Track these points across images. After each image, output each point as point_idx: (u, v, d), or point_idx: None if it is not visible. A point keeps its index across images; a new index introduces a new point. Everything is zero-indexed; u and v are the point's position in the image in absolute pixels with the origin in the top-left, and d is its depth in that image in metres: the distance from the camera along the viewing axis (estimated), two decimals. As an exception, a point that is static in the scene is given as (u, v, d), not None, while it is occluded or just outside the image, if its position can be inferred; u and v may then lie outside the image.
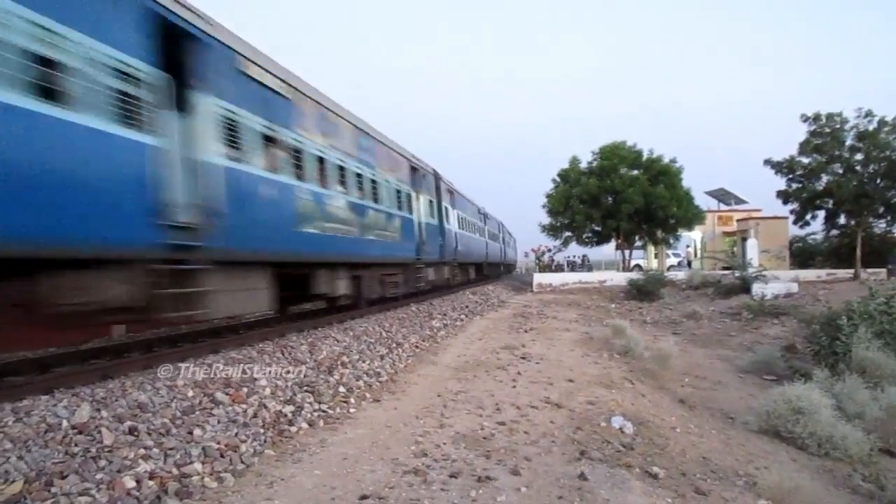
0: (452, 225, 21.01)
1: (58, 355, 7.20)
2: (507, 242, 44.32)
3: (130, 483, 3.68)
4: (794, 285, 21.92)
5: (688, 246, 42.48)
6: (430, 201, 18.07)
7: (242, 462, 4.39)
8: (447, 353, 9.74)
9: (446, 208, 20.16)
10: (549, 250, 36.98)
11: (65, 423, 4.23)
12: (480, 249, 28.71)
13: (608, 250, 35.67)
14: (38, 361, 6.83)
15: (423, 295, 17.67)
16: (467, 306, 17.36)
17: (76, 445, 3.96)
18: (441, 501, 3.82)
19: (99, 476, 3.68)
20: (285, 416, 5.48)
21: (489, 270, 33.91)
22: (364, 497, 3.83)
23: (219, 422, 4.91)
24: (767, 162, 29.47)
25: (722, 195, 40.85)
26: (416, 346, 9.93)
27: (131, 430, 4.35)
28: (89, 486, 3.54)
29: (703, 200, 35.72)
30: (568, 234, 31.92)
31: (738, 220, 37.56)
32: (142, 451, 4.10)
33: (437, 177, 19.47)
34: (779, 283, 21.75)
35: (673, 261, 41.49)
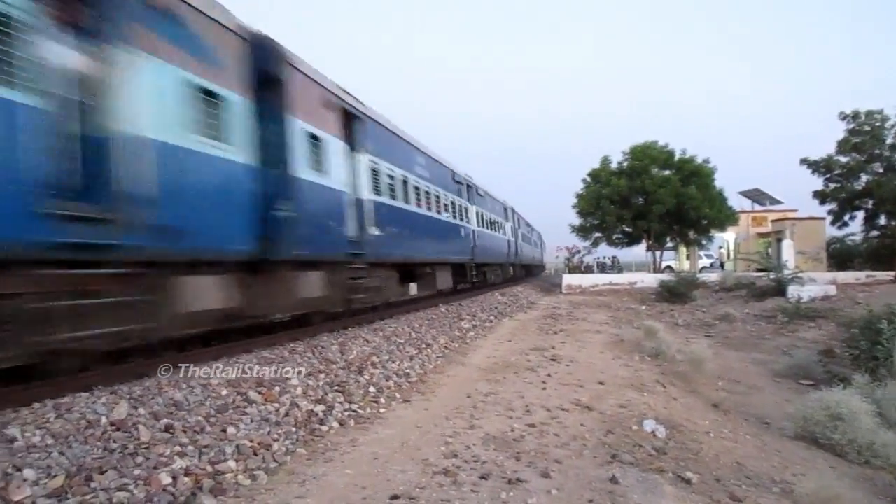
0: (482, 227, 22.82)
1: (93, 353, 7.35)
2: (535, 243, 44.20)
3: (166, 479, 3.75)
4: (832, 288, 21.40)
5: (720, 247, 41.82)
6: (479, 211, 21.56)
7: (275, 460, 4.44)
8: (476, 354, 9.73)
9: (482, 213, 22.59)
10: (579, 251, 36.79)
11: (104, 420, 4.33)
12: (510, 251, 29.13)
13: (638, 251, 35.29)
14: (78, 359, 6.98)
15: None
16: (496, 307, 17.33)
17: (114, 442, 4.06)
18: (471, 503, 3.81)
19: (136, 472, 3.75)
20: (316, 415, 5.53)
21: (518, 271, 33.87)
22: (395, 497, 3.84)
23: (252, 420, 4.98)
24: (804, 161, 28.93)
25: (756, 195, 40.15)
26: (446, 347, 9.94)
27: (167, 428, 4.44)
28: (127, 482, 3.62)
29: (736, 201, 35.20)
30: (598, 234, 31.68)
31: (773, 221, 36.81)
32: (177, 448, 4.18)
33: (471, 186, 21.83)
34: (815, 285, 21.23)
35: (705, 262, 40.90)
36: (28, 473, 3.47)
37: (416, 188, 14.43)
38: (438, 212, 16.89)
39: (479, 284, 22.34)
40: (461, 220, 19.44)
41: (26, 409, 4.57)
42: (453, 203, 18.71)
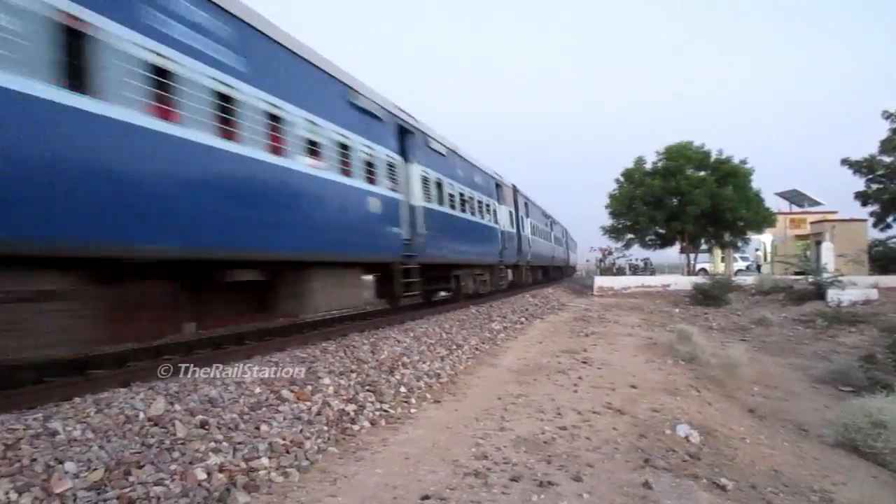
0: (526, 231, 24.48)
1: (133, 350, 7.53)
2: (568, 245, 43.90)
3: (201, 475, 3.82)
4: (874, 291, 20.82)
5: (757, 249, 41.01)
6: (510, 212, 21.98)
7: (307, 458, 4.48)
8: (507, 356, 9.70)
9: (522, 217, 23.39)
10: (610, 253, 36.41)
11: (141, 416, 4.43)
12: (549, 252, 29.38)
13: (672, 253, 34.80)
14: (116, 356, 7.17)
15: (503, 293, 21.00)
16: (527, 309, 17.25)
17: (152, 437, 4.14)
18: (502, 505, 3.80)
19: (172, 467, 3.82)
20: (348, 414, 5.57)
21: (554, 273, 33.96)
22: (425, 497, 3.85)
23: (284, 418, 5.03)
24: (845, 161, 28.21)
25: (794, 197, 39.26)
26: (476, 349, 9.93)
27: (202, 424, 4.51)
28: (164, 477, 3.69)
29: (773, 202, 34.45)
30: (630, 236, 31.31)
31: (811, 223, 35.96)
32: (212, 444, 4.25)
33: (519, 195, 23.91)
34: (856, 289, 20.67)
35: (741, 265, 40.11)
36: (69, 466, 3.56)
37: (461, 194, 16.42)
38: (496, 221, 19.70)
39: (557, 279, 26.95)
40: (507, 226, 21.50)
41: (67, 404, 4.69)
42: (502, 211, 21.13)
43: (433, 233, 12.93)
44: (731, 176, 28.10)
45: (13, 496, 3.20)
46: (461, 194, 15.80)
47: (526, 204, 24.35)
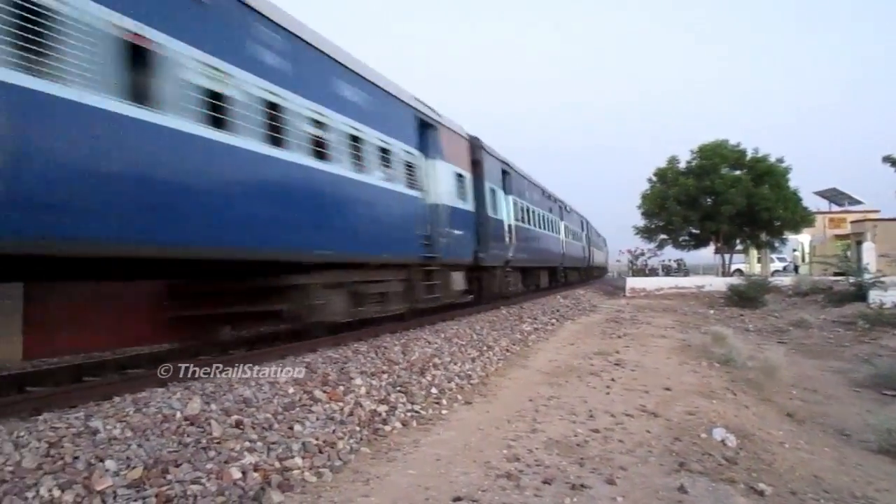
0: (568, 238, 26.42)
1: (169, 351, 7.69)
2: (600, 247, 43.44)
3: (237, 474, 3.87)
4: (919, 292, 20.14)
5: (794, 250, 40.08)
6: (566, 225, 25.18)
7: (340, 458, 4.52)
8: (538, 358, 9.65)
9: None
10: (643, 253, 35.96)
11: (178, 415, 4.51)
12: (586, 256, 29.84)
13: (706, 254, 34.19)
14: (153, 356, 7.33)
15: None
16: (558, 310, 17.14)
17: (188, 436, 4.22)
18: (534, 507, 3.78)
19: (209, 466, 3.89)
20: (380, 415, 5.60)
21: (588, 274, 34.21)
22: (457, 499, 3.84)
23: (317, 419, 5.08)
24: (887, 159, 27.36)
25: (833, 195, 38.36)
26: (507, 350, 9.90)
27: (237, 424, 4.58)
28: (200, 475, 3.75)
29: (812, 201, 33.64)
30: (663, 236, 30.88)
31: (852, 222, 35.07)
32: (247, 443, 4.31)
33: (562, 205, 26.66)
34: (900, 290, 20.03)
35: (777, 265, 39.24)
36: (109, 464, 3.64)
37: (532, 211, 19.80)
38: (543, 227, 21.80)
39: (564, 283, 27.92)
40: (555, 232, 24.73)
41: (107, 403, 4.81)
42: (551, 221, 23.78)
43: (521, 244, 17.96)
44: (768, 175, 27.54)
45: (56, 493, 3.28)
46: (533, 211, 20.42)
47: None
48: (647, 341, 11.78)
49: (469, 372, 7.83)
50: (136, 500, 3.38)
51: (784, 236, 30.55)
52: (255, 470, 4.00)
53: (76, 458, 3.64)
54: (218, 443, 4.21)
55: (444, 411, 6.15)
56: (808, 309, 19.58)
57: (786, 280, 26.52)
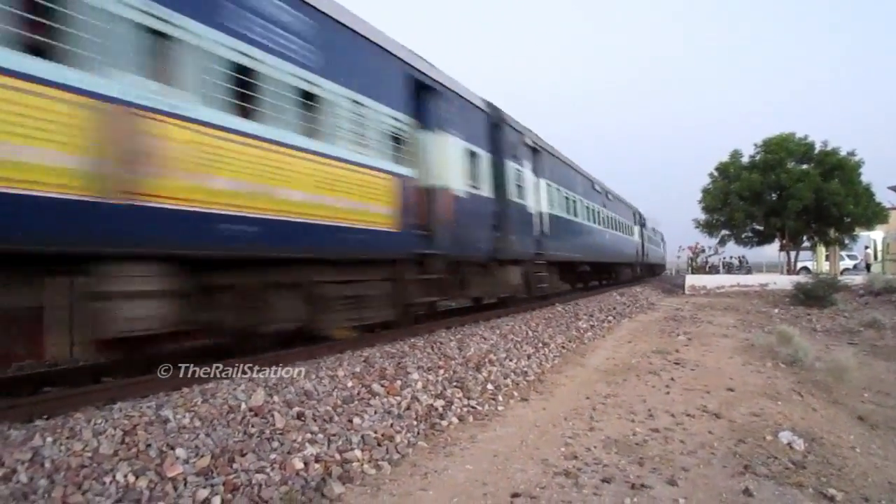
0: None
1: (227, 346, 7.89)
2: (658, 244, 42.59)
3: (299, 464, 3.98)
4: None
5: (866, 247, 38.23)
6: (642, 231, 27.57)
7: (398, 452, 4.58)
8: (595, 355, 9.52)
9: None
10: (703, 251, 34.96)
11: (243, 406, 4.65)
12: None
13: (769, 251, 32.88)
14: (218, 349, 7.54)
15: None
16: (614, 308, 16.86)
17: (253, 427, 4.35)
18: (594, 506, 3.74)
19: (272, 456, 4.01)
20: (436, 410, 5.64)
21: (657, 270, 35.46)
22: (515, 495, 3.84)
23: (375, 412, 5.16)
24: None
25: (910, 190, 36.31)
26: (563, 347, 9.80)
27: (299, 416, 4.70)
28: (264, 465, 3.87)
29: (886, 196, 31.91)
30: (725, 232, 29.92)
31: (931, 218, 33.13)
32: (308, 435, 4.42)
33: (640, 214, 33.04)
34: (983, 288, 18.89)
35: (847, 263, 37.52)
36: (180, 452, 3.80)
37: (617, 221, 24.29)
38: (630, 235, 27.24)
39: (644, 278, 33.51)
40: (633, 236, 30.74)
41: (177, 393, 5.00)
42: (631, 227, 29.24)
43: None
44: (838, 169, 26.27)
45: (131, 479, 3.44)
46: (620, 222, 25.15)
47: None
48: (709, 340, 11.46)
49: (525, 368, 7.80)
50: (204, 488, 3.51)
51: (855, 233, 29.11)
52: (317, 461, 4.10)
53: (149, 445, 3.81)
54: (281, 434, 4.33)
55: (500, 407, 6.14)
56: (881, 309, 18.61)
57: (857, 279, 25.31)
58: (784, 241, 28.75)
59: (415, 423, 5.22)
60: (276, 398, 4.95)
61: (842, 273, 29.48)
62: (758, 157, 28.08)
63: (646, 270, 38.69)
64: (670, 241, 50.29)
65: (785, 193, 26.35)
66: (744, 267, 35.36)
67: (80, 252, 4.72)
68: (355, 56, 7.89)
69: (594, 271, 23.03)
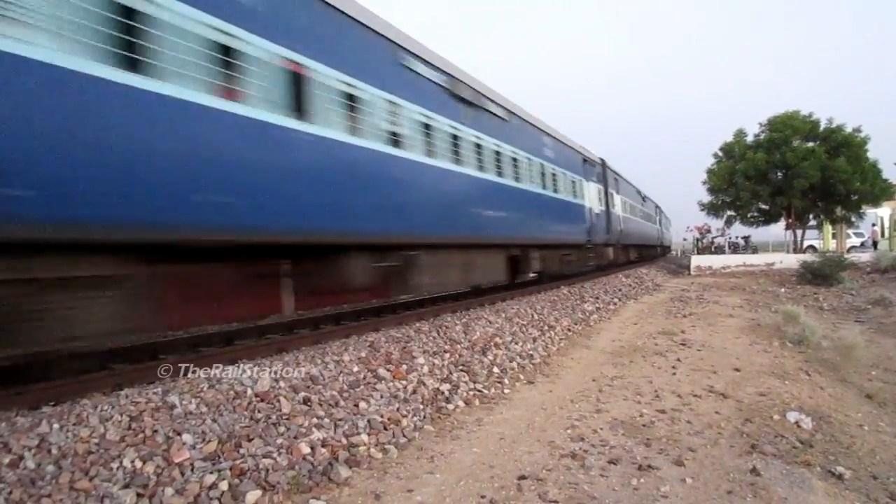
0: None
1: (238, 330, 7.92)
2: (662, 223, 42.60)
3: (306, 449, 3.98)
4: None
5: (873, 225, 37.96)
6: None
7: (404, 436, 4.59)
8: (601, 338, 9.51)
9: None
10: (709, 231, 34.79)
11: (249, 392, 4.65)
12: (641, 231, 31.46)
13: (776, 231, 32.66)
14: (223, 335, 7.56)
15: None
16: (620, 290, 16.83)
17: (259, 412, 4.35)
18: (601, 487, 3.74)
19: (279, 441, 4.01)
20: (443, 393, 5.64)
21: (647, 252, 34.50)
22: (522, 477, 3.84)
23: (381, 396, 5.16)
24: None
25: (918, 166, 35.93)
26: (569, 330, 9.79)
27: (305, 401, 4.69)
28: (271, 450, 3.88)
29: (893, 173, 31.61)
30: (730, 212, 29.74)
31: (938, 195, 32.79)
32: (314, 420, 4.42)
33: (658, 207, 40.79)
34: None
35: (854, 241, 37.29)
36: (186, 437, 3.80)
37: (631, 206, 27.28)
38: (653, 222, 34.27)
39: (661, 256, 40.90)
40: (656, 224, 38.00)
41: (183, 379, 5.00)
42: (650, 215, 34.96)
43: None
44: (844, 146, 25.99)
45: (138, 464, 3.45)
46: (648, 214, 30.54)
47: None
48: (715, 321, 11.44)
49: (531, 352, 7.80)
50: (212, 473, 3.52)
51: (862, 210, 28.88)
52: (324, 445, 4.10)
53: (155, 431, 3.81)
54: (287, 419, 4.33)
55: (506, 391, 6.15)
56: (888, 287, 18.52)
57: (863, 256, 25.17)
58: (790, 220, 28.55)
59: (421, 407, 5.22)
60: (282, 384, 4.94)
61: (848, 251, 29.30)
62: (763, 136, 27.83)
63: (657, 251, 39.67)
64: (677, 226, 50.19)
65: (790, 172, 26.12)
66: (749, 246, 35.19)
67: None
68: (568, 155, 17.17)
69: (645, 248, 33.95)
